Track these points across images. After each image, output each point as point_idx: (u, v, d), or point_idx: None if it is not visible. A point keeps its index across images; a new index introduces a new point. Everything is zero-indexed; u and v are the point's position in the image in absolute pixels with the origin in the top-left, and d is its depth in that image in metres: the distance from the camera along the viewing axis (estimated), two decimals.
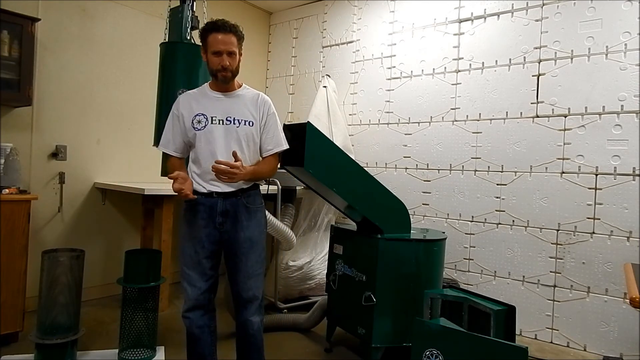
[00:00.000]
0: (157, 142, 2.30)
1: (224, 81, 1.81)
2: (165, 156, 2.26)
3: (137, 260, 2.29)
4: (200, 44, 1.84)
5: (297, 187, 3.33)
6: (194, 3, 2.38)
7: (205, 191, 1.81)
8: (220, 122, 1.80)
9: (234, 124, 1.80)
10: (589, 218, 2.70)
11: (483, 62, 3.17)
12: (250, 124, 1.83)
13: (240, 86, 1.91)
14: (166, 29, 2.38)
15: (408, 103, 3.56)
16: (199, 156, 1.80)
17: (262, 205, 1.92)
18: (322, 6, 4.24)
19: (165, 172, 2.29)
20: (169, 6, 2.41)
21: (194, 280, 1.82)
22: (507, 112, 3.05)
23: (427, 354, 1.63)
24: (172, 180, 1.77)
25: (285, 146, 1.92)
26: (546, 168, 2.87)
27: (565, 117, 2.81)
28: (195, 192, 1.82)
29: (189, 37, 2.34)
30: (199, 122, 1.79)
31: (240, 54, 1.85)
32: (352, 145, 3.80)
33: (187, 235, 1.84)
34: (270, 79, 4.60)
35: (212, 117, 1.80)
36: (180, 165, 1.90)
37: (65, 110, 3.11)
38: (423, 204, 3.43)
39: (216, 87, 1.86)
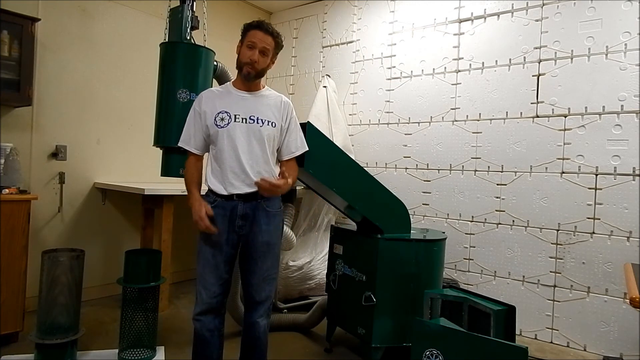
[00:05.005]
0: (157, 142, 2.29)
1: (247, 77, 1.81)
2: (168, 156, 2.26)
3: (137, 260, 2.28)
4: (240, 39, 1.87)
5: (297, 187, 3.33)
6: (194, 3, 2.37)
7: (225, 193, 1.79)
8: (244, 120, 1.80)
9: (257, 123, 1.80)
10: (589, 218, 2.71)
11: (483, 62, 3.17)
12: (273, 124, 1.83)
13: (263, 87, 1.92)
14: (166, 29, 2.38)
15: (408, 103, 3.56)
16: (221, 154, 1.79)
17: (280, 209, 1.91)
18: (322, 6, 4.24)
19: (165, 172, 2.28)
20: (169, 6, 2.40)
21: (209, 284, 1.81)
22: (507, 112, 3.05)
23: (427, 354, 1.63)
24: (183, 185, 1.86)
25: (307, 148, 1.94)
26: (546, 168, 2.87)
27: (565, 117, 2.81)
28: (214, 194, 1.83)
29: (189, 37, 2.33)
30: (222, 119, 1.79)
31: (273, 62, 1.89)
32: (352, 145, 3.80)
33: (205, 239, 1.83)
34: (270, 79, 4.60)
35: (235, 115, 1.80)
36: (199, 169, 1.89)
37: (65, 110, 3.11)
38: (423, 204, 3.43)
39: (240, 86, 1.87)
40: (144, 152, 3.41)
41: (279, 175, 1.82)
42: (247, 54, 1.79)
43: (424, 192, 3.44)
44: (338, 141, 3.46)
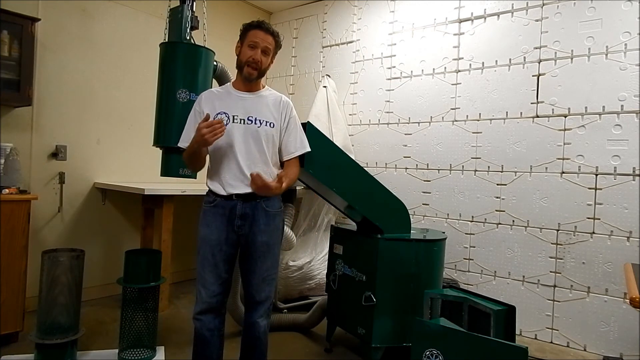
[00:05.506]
0: (157, 142, 2.30)
1: (248, 77, 1.81)
2: (168, 156, 2.26)
3: (137, 260, 2.28)
4: (239, 39, 1.86)
5: (297, 187, 3.33)
6: (194, 3, 2.37)
7: (224, 193, 1.79)
8: (242, 121, 1.79)
9: (255, 123, 1.80)
10: (589, 218, 2.71)
11: (483, 62, 3.17)
12: (272, 125, 1.83)
13: (263, 87, 1.92)
14: (166, 29, 2.38)
15: (408, 103, 3.56)
16: (220, 155, 1.79)
17: (280, 209, 1.91)
18: (322, 6, 4.24)
19: (165, 172, 2.28)
20: (169, 6, 2.40)
21: (208, 283, 1.81)
22: (507, 112, 3.05)
23: (427, 354, 1.63)
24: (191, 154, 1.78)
25: (308, 148, 1.91)
26: (546, 168, 2.87)
27: (565, 117, 2.81)
28: (213, 193, 1.83)
29: (188, 37, 2.33)
30: (221, 120, 1.79)
31: (272, 62, 1.88)
32: (352, 145, 3.80)
33: (204, 238, 1.83)
34: (270, 79, 4.60)
35: (233, 116, 1.79)
36: None
37: (65, 110, 3.11)
38: (423, 204, 3.43)
39: (240, 86, 1.87)
40: (144, 152, 3.40)
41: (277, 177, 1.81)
42: (249, 54, 1.79)
43: (424, 192, 3.44)
44: (338, 141, 3.46)
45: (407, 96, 3.57)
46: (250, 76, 1.81)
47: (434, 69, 3.42)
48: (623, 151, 2.61)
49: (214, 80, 2.41)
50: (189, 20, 2.32)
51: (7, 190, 2.42)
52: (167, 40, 2.36)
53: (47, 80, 2.99)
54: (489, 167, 3.11)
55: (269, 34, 1.81)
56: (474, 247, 3.16)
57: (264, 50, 1.80)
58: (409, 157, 3.53)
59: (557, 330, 2.79)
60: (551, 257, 2.83)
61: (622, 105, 2.63)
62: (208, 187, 1.86)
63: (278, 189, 1.72)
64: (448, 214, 3.30)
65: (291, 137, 1.88)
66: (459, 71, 3.29)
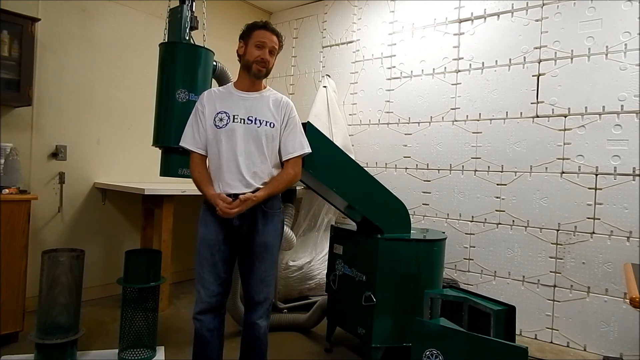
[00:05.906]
0: (156, 142, 2.29)
1: (257, 75, 1.83)
2: (167, 156, 2.26)
3: (137, 260, 2.28)
4: (241, 39, 1.88)
5: (297, 187, 3.33)
6: (194, 3, 2.36)
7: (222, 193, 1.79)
8: (242, 121, 1.80)
9: (254, 123, 1.80)
10: (589, 218, 2.70)
11: (483, 62, 3.17)
12: (272, 125, 1.83)
13: (265, 87, 1.92)
14: (166, 29, 2.38)
15: (408, 103, 3.56)
16: (219, 154, 1.79)
17: (280, 209, 1.91)
18: (322, 6, 4.24)
19: (164, 172, 2.28)
20: (169, 6, 2.40)
21: (207, 283, 1.82)
22: (507, 112, 3.05)
23: (427, 354, 1.63)
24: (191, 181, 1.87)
25: (307, 150, 1.90)
26: (546, 168, 2.87)
27: (565, 117, 2.81)
28: None
29: (188, 38, 2.33)
30: (221, 120, 1.79)
31: (274, 62, 1.91)
32: (352, 145, 3.80)
33: (203, 238, 1.83)
34: (270, 79, 4.59)
35: (234, 116, 1.80)
36: (203, 163, 1.88)
37: (65, 110, 3.11)
38: (423, 204, 3.43)
39: (241, 87, 1.87)
40: (144, 152, 3.40)
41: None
42: (257, 53, 1.81)
43: (424, 192, 3.44)
44: (338, 141, 3.46)
45: (407, 96, 3.57)
46: (260, 73, 1.83)
47: (434, 69, 3.42)
48: (623, 151, 2.61)
49: (213, 80, 2.41)
50: (188, 20, 2.32)
51: (7, 190, 2.42)
52: (166, 40, 2.36)
53: (47, 80, 2.99)
54: (489, 167, 3.11)
55: (274, 34, 1.85)
56: (474, 247, 3.16)
57: (270, 50, 1.83)
58: (409, 157, 3.53)
59: (557, 330, 2.78)
60: (551, 257, 2.83)
61: (622, 105, 2.63)
62: None
63: (258, 198, 1.75)
64: (448, 214, 3.30)
65: (290, 138, 1.88)
66: (459, 71, 3.29)
